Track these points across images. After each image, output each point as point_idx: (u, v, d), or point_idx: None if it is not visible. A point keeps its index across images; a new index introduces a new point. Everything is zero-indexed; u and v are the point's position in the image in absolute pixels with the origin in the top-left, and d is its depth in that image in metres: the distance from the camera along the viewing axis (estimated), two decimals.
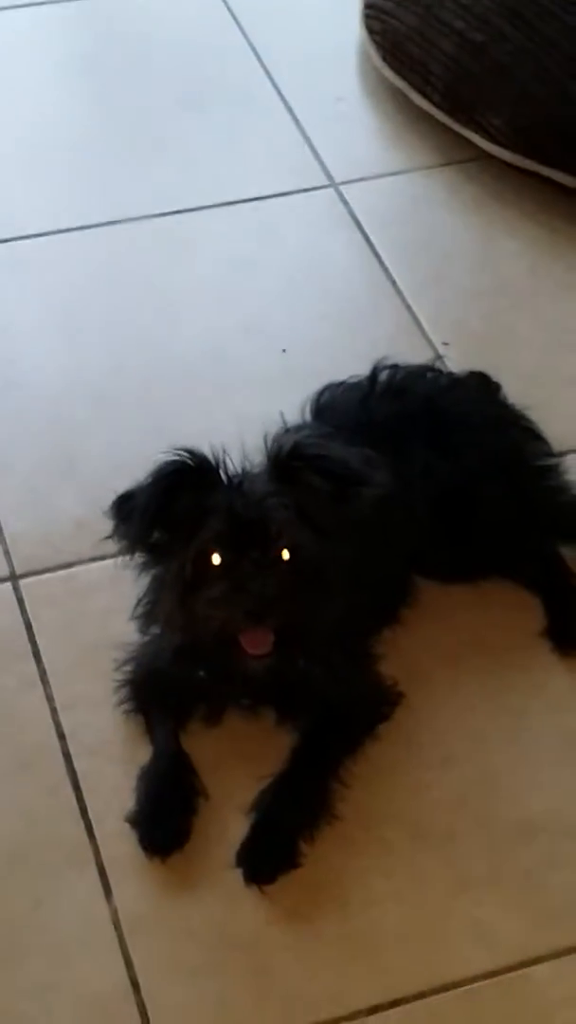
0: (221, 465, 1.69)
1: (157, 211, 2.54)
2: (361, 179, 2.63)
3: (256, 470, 1.72)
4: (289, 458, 1.69)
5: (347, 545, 1.71)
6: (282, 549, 1.66)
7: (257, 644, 1.67)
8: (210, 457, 1.69)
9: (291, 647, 1.70)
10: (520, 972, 1.63)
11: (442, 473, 1.93)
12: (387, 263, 2.47)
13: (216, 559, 1.65)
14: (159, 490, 1.66)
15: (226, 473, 1.69)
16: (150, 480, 1.67)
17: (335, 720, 1.80)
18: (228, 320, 2.37)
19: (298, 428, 1.93)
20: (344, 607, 1.73)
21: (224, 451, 1.70)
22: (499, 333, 2.38)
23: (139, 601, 1.77)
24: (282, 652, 1.68)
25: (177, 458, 1.67)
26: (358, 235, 2.53)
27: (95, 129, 2.73)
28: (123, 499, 1.69)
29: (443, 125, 2.67)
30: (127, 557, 1.71)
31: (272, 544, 1.65)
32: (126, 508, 1.68)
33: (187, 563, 1.66)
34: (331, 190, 2.61)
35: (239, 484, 1.68)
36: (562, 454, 2.10)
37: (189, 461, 1.67)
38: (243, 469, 1.71)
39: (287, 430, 1.89)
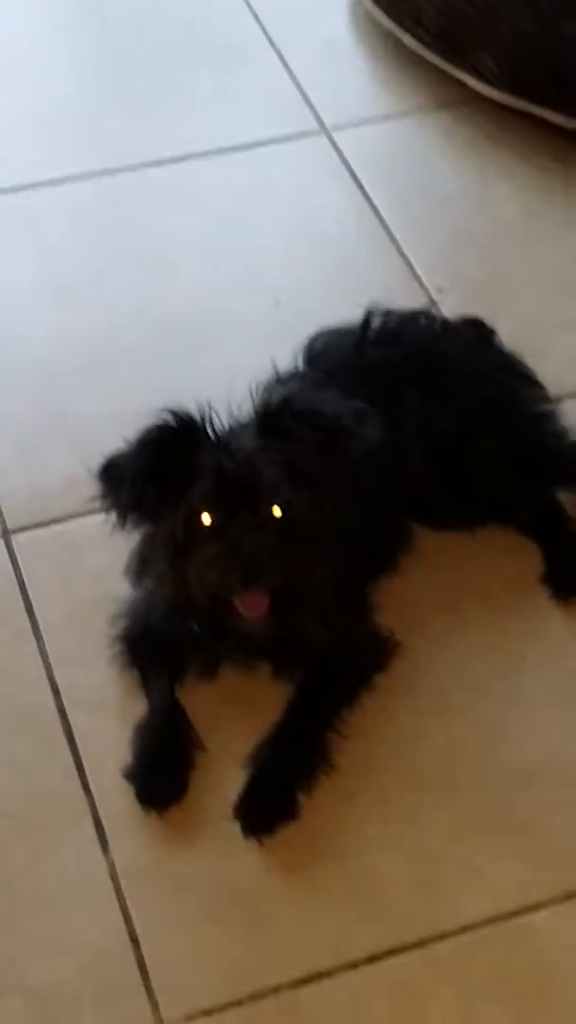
0: (208, 422, 1.67)
1: (145, 161, 2.51)
2: (353, 124, 2.59)
3: (245, 425, 1.69)
4: (278, 412, 1.66)
5: (340, 497, 1.69)
6: (273, 507, 1.63)
7: (251, 607, 1.65)
8: (196, 415, 1.66)
9: (286, 606, 1.68)
10: (520, 918, 1.63)
11: (437, 419, 1.91)
12: (380, 209, 2.44)
13: (206, 519, 1.63)
14: (145, 459, 1.64)
15: (213, 430, 1.67)
16: (135, 447, 1.65)
17: (332, 671, 1.79)
18: (220, 270, 2.35)
19: (290, 377, 1.91)
20: (339, 560, 1.72)
21: (211, 407, 1.67)
22: (495, 278, 2.35)
23: (131, 556, 1.76)
24: (277, 612, 1.67)
25: (161, 421, 1.65)
26: (350, 181, 2.49)
27: (82, 78, 2.69)
28: (109, 467, 1.67)
29: (435, 67, 2.63)
30: (118, 524, 1.69)
31: (263, 503, 1.63)
32: (113, 476, 1.66)
33: (177, 524, 1.64)
34: (323, 136, 2.57)
35: (227, 442, 1.66)
36: (559, 399, 2.08)
37: (173, 423, 1.65)
38: (231, 425, 1.69)
39: (277, 381, 1.88)
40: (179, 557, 1.66)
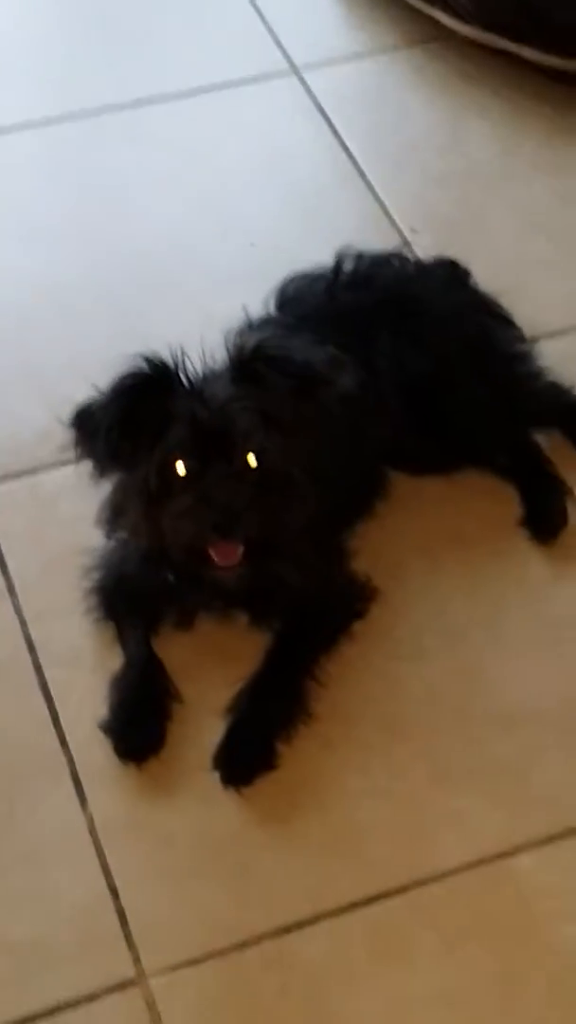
0: (181, 368, 1.64)
1: (113, 103, 2.46)
2: (324, 63, 2.54)
3: (218, 372, 1.66)
4: (251, 359, 1.63)
5: (315, 444, 1.66)
6: (248, 456, 1.61)
7: (226, 556, 1.63)
8: (169, 361, 1.63)
9: (262, 555, 1.66)
10: (500, 862, 1.62)
11: (411, 362, 1.88)
12: (352, 149, 2.40)
13: (181, 469, 1.61)
14: (121, 407, 1.60)
15: (187, 377, 1.64)
16: (110, 395, 1.62)
17: (309, 619, 1.77)
18: (189, 213, 2.31)
19: (262, 323, 1.88)
20: (314, 508, 1.70)
21: (184, 353, 1.64)
22: (469, 218, 2.32)
23: (104, 506, 1.73)
24: (252, 561, 1.65)
25: (136, 368, 1.62)
26: (322, 121, 2.45)
27: (47, 20, 2.64)
28: (84, 415, 1.64)
29: (407, 5, 2.58)
30: (94, 474, 1.66)
31: (237, 452, 1.60)
32: (89, 425, 1.63)
33: (151, 473, 1.61)
34: (293, 76, 2.52)
35: (200, 390, 1.63)
36: (535, 339, 2.05)
37: (147, 369, 1.62)
38: (204, 372, 1.66)
39: (249, 327, 1.85)
40: (153, 506, 1.63)
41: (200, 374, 1.65)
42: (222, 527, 1.60)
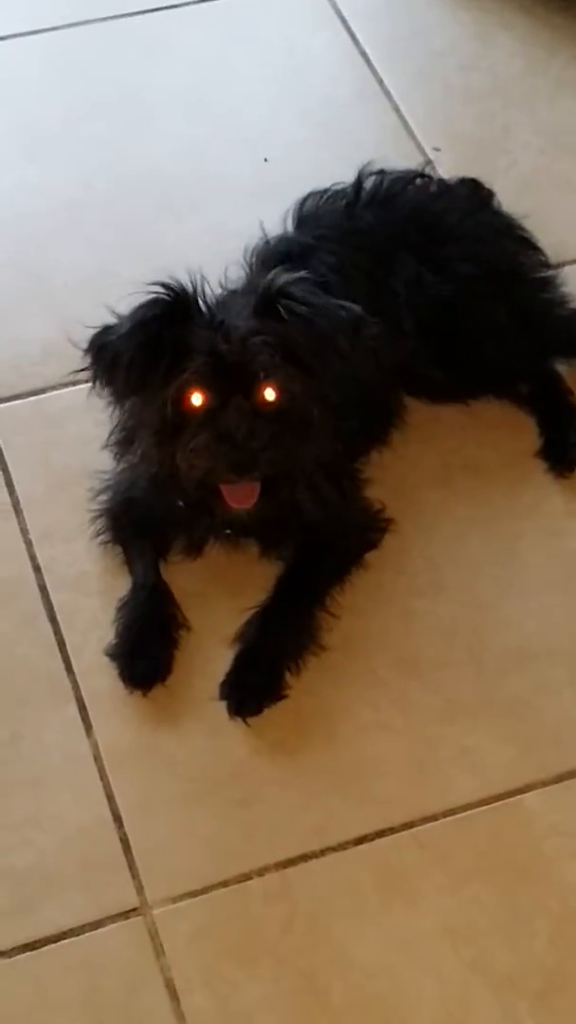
0: (200, 295, 1.58)
1: (126, 10, 2.39)
2: None
3: (237, 299, 1.61)
4: (276, 296, 1.57)
5: (333, 379, 1.61)
6: (266, 391, 1.55)
7: (241, 498, 1.59)
8: (188, 288, 1.57)
9: (276, 491, 1.62)
10: (510, 799, 1.60)
11: (431, 286, 1.83)
12: (374, 62, 2.33)
13: (197, 401, 1.55)
14: (141, 339, 1.54)
15: (206, 304, 1.58)
16: (129, 326, 1.56)
17: (322, 548, 1.74)
18: (204, 125, 2.24)
19: (278, 241, 1.82)
20: (331, 438, 1.65)
21: (203, 278, 1.59)
22: (493, 136, 2.25)
23: (114, 428, 1.69)
24: (266, 496, 1.60)
25: (155, 297, 1.56)
26: (343, 32, 2.37)
27: None
28: (102, 344, 1.57)
29: None
30: (111, 404, 1.62)
31: (256, 386, 1.55)
32: (107, 356, 1.57)
33: (167, 404, 1.56)
34: None
35: (220, 320, 1.57)
36: (559, 265, 2.00)
37: (167, 297, 1.56)
38: (222, 295, 1.60)
39: (266, 244, 1.80)
40: (166, 437, 1.59)
41: (218, 299, 1.60)
42: (239, 466, 1.56)
